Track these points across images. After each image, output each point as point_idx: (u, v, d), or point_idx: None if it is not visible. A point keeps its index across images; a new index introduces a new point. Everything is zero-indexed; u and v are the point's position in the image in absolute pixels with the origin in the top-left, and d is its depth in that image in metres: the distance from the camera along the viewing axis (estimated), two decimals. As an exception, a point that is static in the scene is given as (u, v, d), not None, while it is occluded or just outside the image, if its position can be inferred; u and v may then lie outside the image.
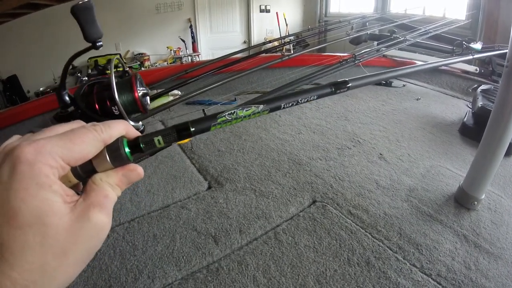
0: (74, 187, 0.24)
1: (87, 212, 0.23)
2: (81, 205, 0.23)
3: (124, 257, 0.89)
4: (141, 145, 0.27)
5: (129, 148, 0.27)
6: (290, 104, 0.33)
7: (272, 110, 0.33)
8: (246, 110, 0.32)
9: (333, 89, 0.37)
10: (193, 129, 0.30)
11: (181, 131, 0.30)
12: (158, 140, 0.28)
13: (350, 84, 0.39)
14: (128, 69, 0.50)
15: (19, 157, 0.21)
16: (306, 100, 0.34)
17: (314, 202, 1.13)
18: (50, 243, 0.21)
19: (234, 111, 0.32)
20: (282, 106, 0.33)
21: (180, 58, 4.94)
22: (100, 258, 0.89)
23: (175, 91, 1.82)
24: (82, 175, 0.25)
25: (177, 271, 0.85)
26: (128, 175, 0.26)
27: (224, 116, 0.32)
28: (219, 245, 0.93)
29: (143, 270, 0.85)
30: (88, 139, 0.24)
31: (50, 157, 0.22)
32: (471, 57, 1.03)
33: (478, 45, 1.13)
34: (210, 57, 4.85)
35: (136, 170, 0.27)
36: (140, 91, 0.40)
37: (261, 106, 0.32)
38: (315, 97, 0.35)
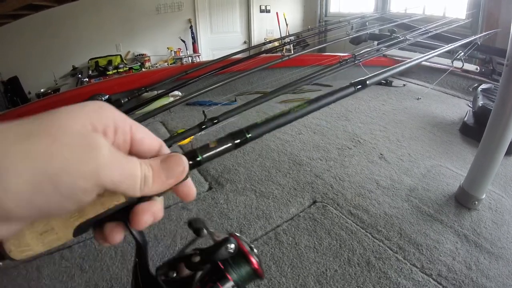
0: None
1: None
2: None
3: (125, 258, 0.89)
4: (199, 157, 0.25)
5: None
6: (318, 107, 0.32)
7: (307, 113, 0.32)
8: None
9: (355, 89, 0.37)
10: (250, 135, 0.28)
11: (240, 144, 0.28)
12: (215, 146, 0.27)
13: (368, 82, 0.39)
14: None
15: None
16: (332, 102, 0.33)
17: (314, 202, 1.13)
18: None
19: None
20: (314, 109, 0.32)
21: (181, 58, 4.94)
22: (102, 259, 0.89)
23: (176, 92, 1.82)
24: None
25: (178, 271, 0.85)
26: (169, 164, 0.23)
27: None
28: (219, 246, 0.93)
29: (144, 270, 0.85)
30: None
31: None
32: (452, 46, 1.02)
33: None
34: (210, 58, 4.86)
35: (182, 163, 0.24)
36: (252, 254, 0.28)
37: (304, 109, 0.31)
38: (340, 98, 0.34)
